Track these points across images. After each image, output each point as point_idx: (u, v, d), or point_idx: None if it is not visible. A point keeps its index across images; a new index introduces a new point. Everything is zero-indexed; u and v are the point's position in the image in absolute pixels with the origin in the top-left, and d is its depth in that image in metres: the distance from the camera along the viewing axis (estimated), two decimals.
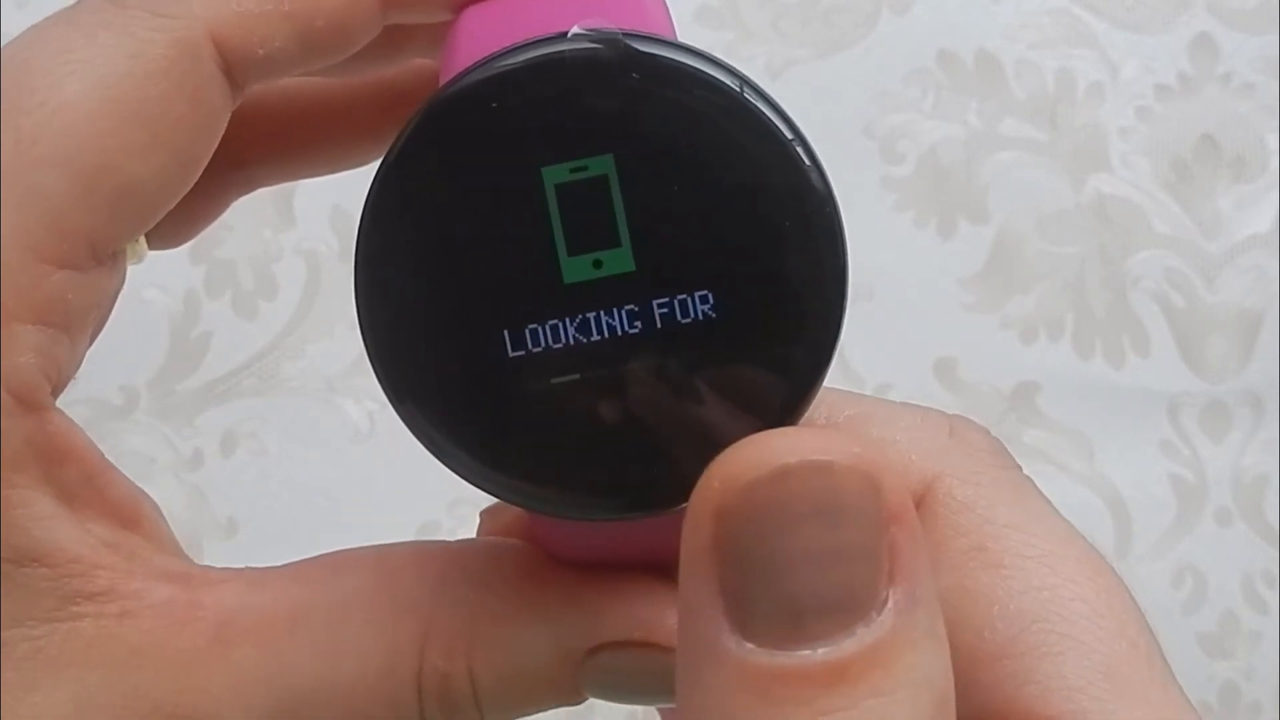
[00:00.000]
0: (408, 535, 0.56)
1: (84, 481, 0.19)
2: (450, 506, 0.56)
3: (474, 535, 0.23)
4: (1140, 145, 0.59)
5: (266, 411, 0.57)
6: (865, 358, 0.56)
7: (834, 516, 0.15)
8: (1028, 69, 0.59)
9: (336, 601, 0.20)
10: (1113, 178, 0.58)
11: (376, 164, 0.19)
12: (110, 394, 0.55)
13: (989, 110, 0.59)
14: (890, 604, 0.15)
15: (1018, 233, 0.58)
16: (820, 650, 0.15)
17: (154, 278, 0.57)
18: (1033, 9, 0.60)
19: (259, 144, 0.24)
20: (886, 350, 0.57)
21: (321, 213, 0.57)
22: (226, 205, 0.24)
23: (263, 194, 0.25)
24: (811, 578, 0.15)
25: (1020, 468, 0.20)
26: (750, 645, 0.15)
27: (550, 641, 0.20)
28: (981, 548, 0.19)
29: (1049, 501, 0.20)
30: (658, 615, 0.20)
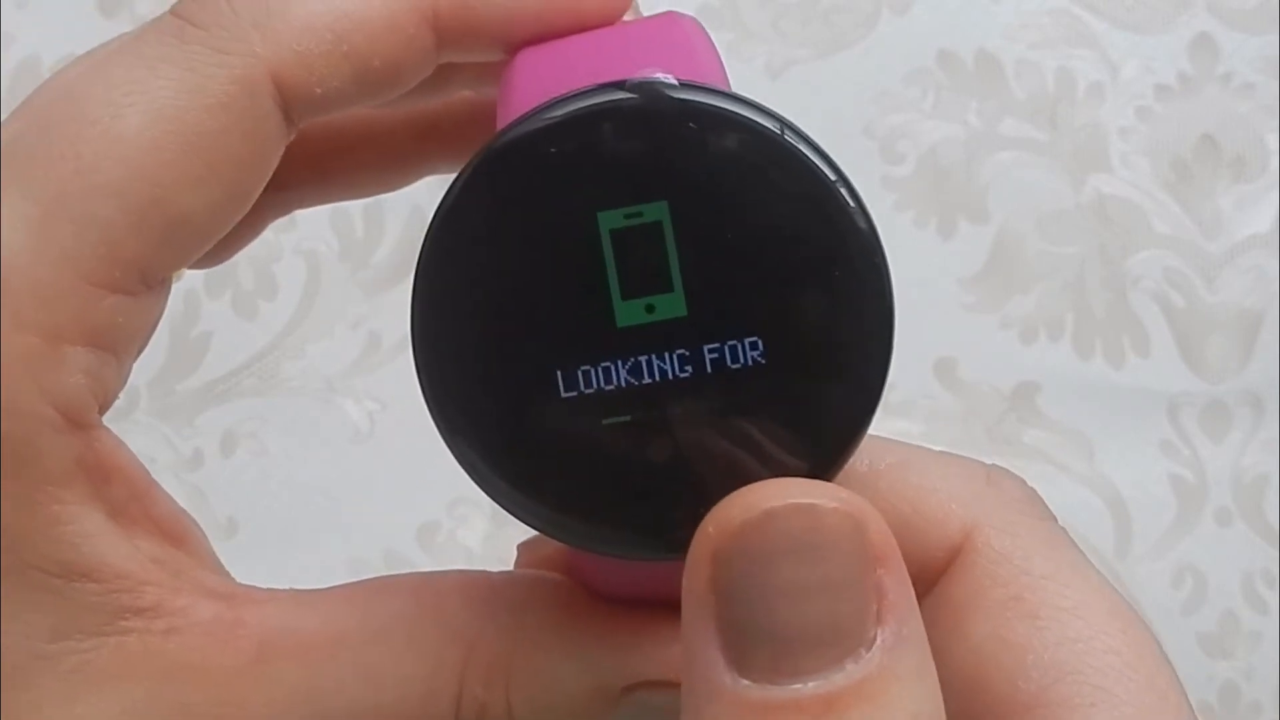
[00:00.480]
0: (408, 535, 0.56)
1: (131, 499, 0.20)
2: (450, 506, 0.56)
3: (502, 563, 0.23)
4: (1140, 145, 0.59)
5: (266, 411, 0.57)
6: None
7: (816, 554, 0.16)
8: (1028, 69, 0.59)
9: (379, 625, 0.20)
10: (1113, 178, 0.58)
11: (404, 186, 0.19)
12: None
13: (989, 110, 0.59)
14: (879, 641, 0.16)
15: (1018, 233, 0.58)
16: (811, 684, 0.16)
17: None
18: (1033, 9, 0.60)
19: (299, 168, 0.24)
20: None
21: (321, 213, 0.57)
22: (264, 227, 0.25)
23: None
24: (797, 612, 0.16)
25: (1055, 518, 0.21)
26: (746, 681, 0.16)
27: (587, 677, 0.20)
28: (1018, 598, 0.19)
29: (1081, 552, 0.20)
30: None
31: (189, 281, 0.57)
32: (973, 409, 0.57)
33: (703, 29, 0.20)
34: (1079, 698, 0.18)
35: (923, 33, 0.59)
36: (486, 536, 0.55)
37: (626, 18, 0.21)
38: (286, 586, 0.21)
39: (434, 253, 0.19)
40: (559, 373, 0.18)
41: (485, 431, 0.19)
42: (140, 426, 0.56)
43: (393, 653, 0.20)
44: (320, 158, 0.24)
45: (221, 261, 0.24)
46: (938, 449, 0.21)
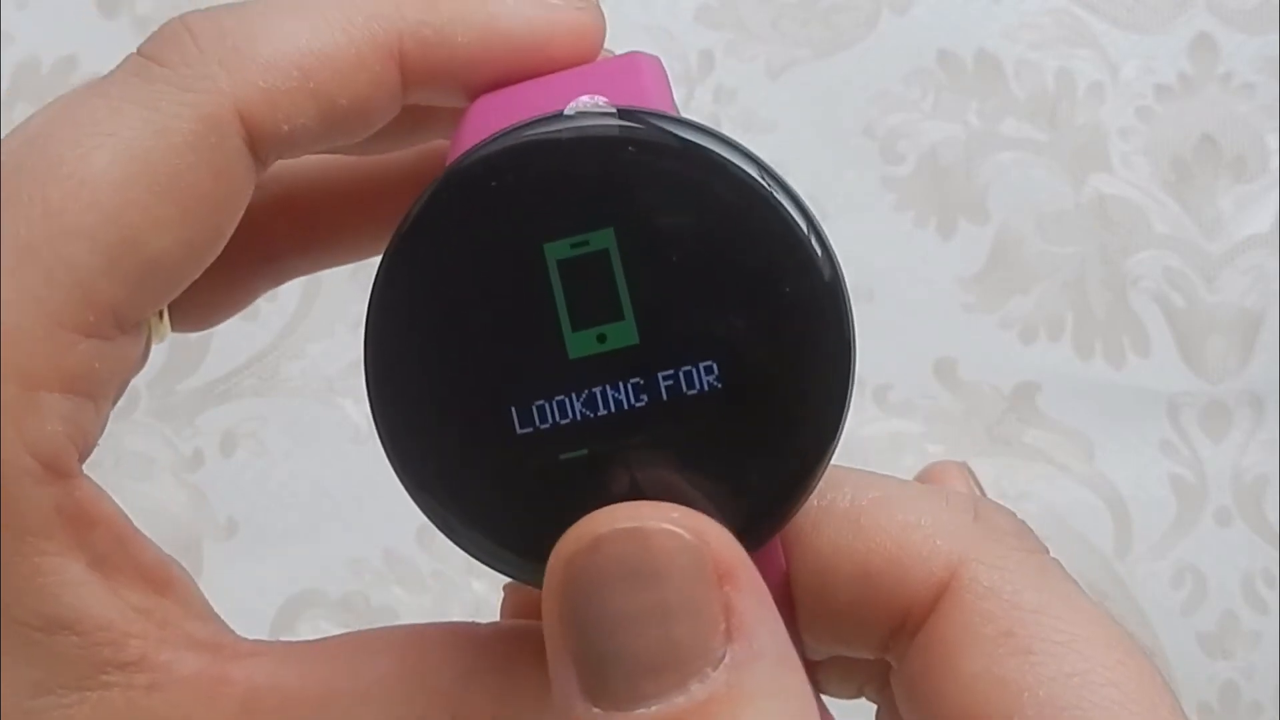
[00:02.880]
0: (408, 535, 0.56)
1: (114, 547, 0.19)
2: None
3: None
4: (1140, 145, 0.59)
5: (266, 411, 0.57)
6: (865, 358, 0.56)
7: (648, 578, 0.16)
8: (1028, 69, 0.59)
9: (364, 685, 0.19)
10: (1113, 178, 0.58)
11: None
12: None
13: (989, 110, 0.59)
14: (727, 660, 0.16)
15: (1018, 233, 0.58)
16: (654, 708, 0.16)
17: None
18: (1033, 9, 0.60)
19: (289, 235, 0.24)
20: (886, 350, 0.57)
21: None
22: (258, 295, 0.25)
23: None
24: (635, 637, 0.16)
25: (1047, 550, 0.20)
26: (597, 710, 0.16)
27: None
28: (1010, 633, 0.18)
29: (1076, 583, 0.20)
30: None
31: None
32: (973, 409, 0.57)
33: (660, 65, 0.20)
34: None
35: (923, 33, 0.59)
36: None
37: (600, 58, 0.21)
38: (274, 638, 0.20)
39: (383, 298, 0.19)
40: (514, 409, 0.18)
41: (446, 477, 0.18)
42: (140, 426, 0.56)
43: (377, 715, 0.19)
44: (309, 224, 0.24)
45: (212, 325, 0.24)
46: (925, 486, 0.21)
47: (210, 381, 0.57)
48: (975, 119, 0.59)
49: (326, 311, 0.57)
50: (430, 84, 0.20)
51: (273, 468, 0.56)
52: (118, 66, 0.20)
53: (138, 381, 0.56)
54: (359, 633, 0.21)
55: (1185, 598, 0.56)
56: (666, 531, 0.17)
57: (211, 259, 0.20)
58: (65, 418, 0.18)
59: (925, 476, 0.25)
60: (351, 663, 0.20)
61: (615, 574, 0.16)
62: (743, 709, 0.16)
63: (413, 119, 0.22)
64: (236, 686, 0.19)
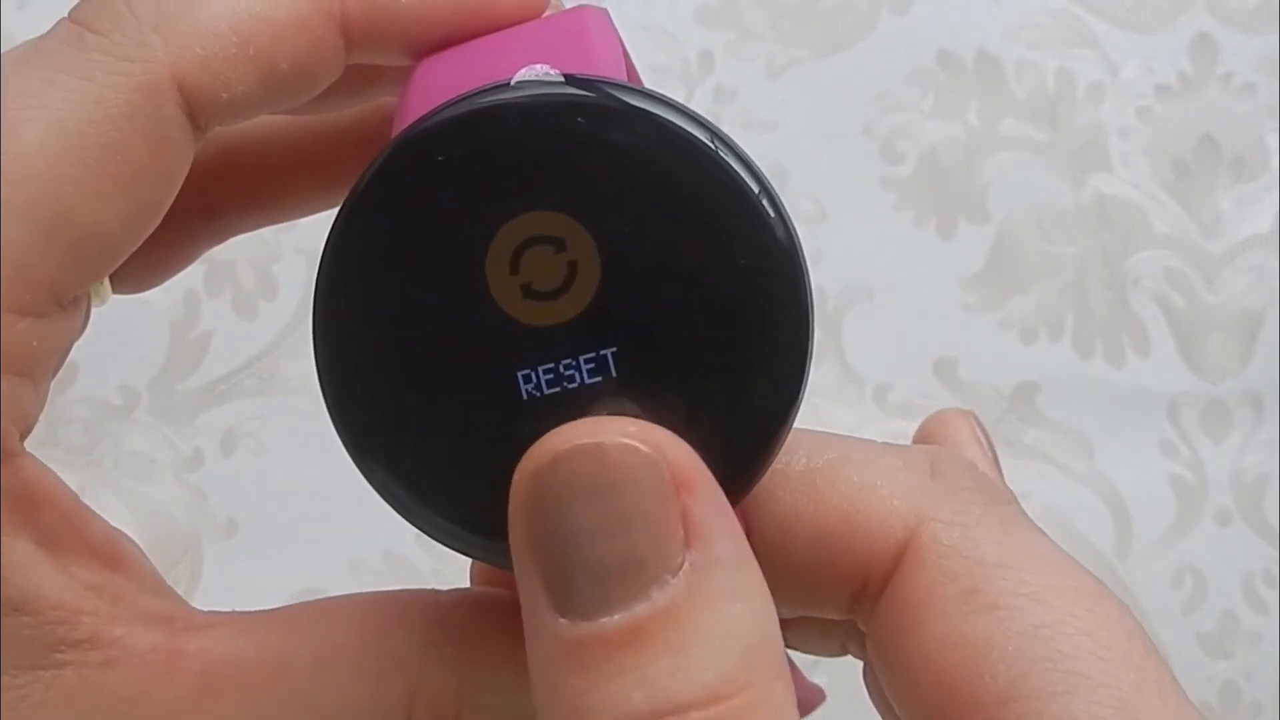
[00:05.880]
0: (408, 535, 0.56)
1: (62, 524, 0.19)
2: None
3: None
4: (1140, 145, 0.59)
5: (266, 411, 0.57)
6: (865, 358, 0.56)
7: (607, 490, 0.17)
8: (1028, 69, 0.59)
9: (322, 656, 0.19)
10: (1113, 178, 0.58)
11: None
12: (110, 394, 0.55)
13: (989, 110, 0.59)
14: (686, 566, 0.16)
15: (1018, 233, 0.58)
16: (618, 615, 0.16)
17: None
18: (1033, 9, 0.60)
19: (230, 194, 0.23)
20: (886, 350, 0.57)
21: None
22: (198, 255, 0.24)
23: None
24: (597, 548, 0.16)
25: (1010, 501, 0.20)
26: (564, 620, 0.16)
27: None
28: (974, 590, 0.18)
29: (1041, 533, 0.19)
30: None
31: (189, 281, 0.57)
32: (972, 409, 0.57)
33: (607, 19, 0.20)
34: (1051, 686, 0.17)
35: (923, 33, 0.59)
36: None
37: (547, 14, 0.20)
38: (231, 608, 0.20)
39: (333, 266, 0.18)
40: (467, 386, 0.18)
41: (397, 457, 0.18)
42: (140, 426, 0.55)
43: (336, 686, 0.19)
44: (251, 181, 0.24)
45: (153, 286, 0.24)
46: (881, 441, 0.21)
47: (210, 381, 0.57)
48: (975, 119, 0.59)
49: None
50: (374, 45, 0.20)
51: (273, 468, 0.56)
52: (48, 33, 0.19)
53: (138, 381, 0.56)
54: (317, 601, 0.20)
55: (1185, 598, 0.56)
56: (623, 445, 0.17)
57: (150, 230, 0.19)
58: (4, 399, 0.18)
59: (930, 425, 0.25)
60: (309, 632, 0.20)
61: (576, 487, 0.17)
62: (702, 612, 0.16)
63: (357, 78, 0.21)
64: (193, 660, 0.19)
